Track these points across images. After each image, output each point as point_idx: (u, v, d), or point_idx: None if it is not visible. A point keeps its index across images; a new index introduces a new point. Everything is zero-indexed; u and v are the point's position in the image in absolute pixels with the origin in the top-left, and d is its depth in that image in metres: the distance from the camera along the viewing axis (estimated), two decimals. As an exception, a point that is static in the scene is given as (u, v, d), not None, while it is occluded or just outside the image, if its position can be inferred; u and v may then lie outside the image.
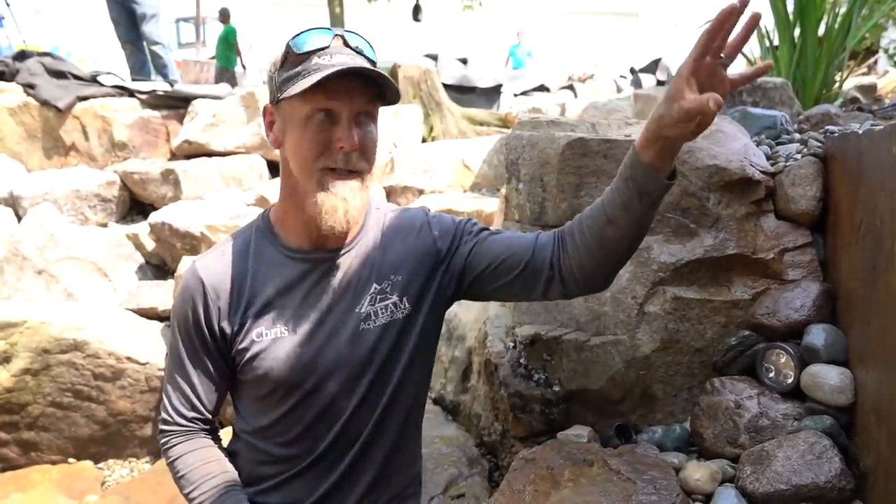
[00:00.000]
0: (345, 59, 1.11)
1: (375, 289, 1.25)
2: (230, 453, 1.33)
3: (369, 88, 1.13)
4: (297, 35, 1.14)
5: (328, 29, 1.15)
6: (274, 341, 1.21)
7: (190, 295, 1.23)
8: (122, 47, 6.75)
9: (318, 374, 1.22)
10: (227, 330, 1.22)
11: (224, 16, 9.51)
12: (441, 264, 1.29)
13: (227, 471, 1.27)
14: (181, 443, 1.27)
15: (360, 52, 1.14)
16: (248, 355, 1.21)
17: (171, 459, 1.27)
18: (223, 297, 1.22)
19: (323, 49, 1.12)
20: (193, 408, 1.27)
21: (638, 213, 1.11)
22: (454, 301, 1.34)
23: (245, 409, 1.31)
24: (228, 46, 9.38)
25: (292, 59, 1.13)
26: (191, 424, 1.28)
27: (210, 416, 1.30)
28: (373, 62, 1.16)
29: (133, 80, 6.21)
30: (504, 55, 13.60)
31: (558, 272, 1.20)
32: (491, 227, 1.34)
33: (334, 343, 1.22)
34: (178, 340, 1.26)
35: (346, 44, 1.14)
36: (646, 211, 1.11)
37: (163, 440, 1.29)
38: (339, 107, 1.12)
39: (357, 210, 1.17)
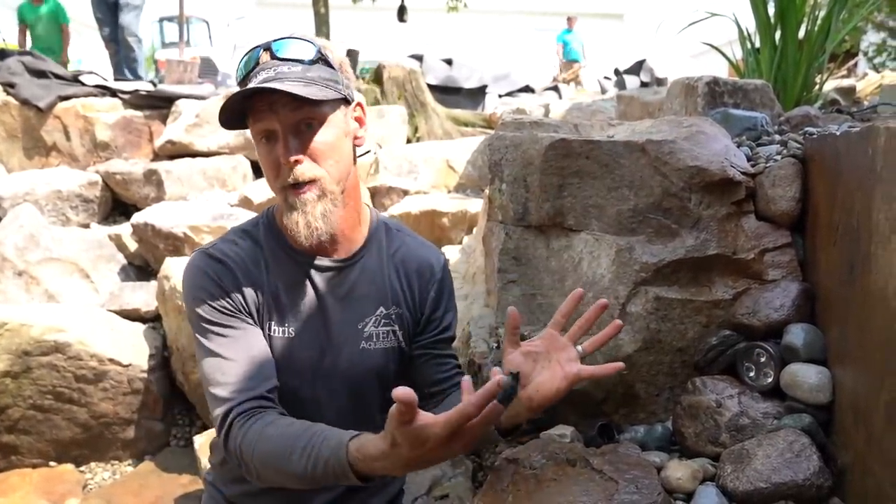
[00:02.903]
0: (265, 76, 1.08)
1: (381, 312, 1.26)
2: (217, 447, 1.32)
3: (294, 95, 1.07)
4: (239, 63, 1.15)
5: (258, 47, 1.13)
6: (277, 339, 1.20)
7: (211, 273, 1.16)
8: (106, 47, 6.69)
9: (312, 379, 1.21)
10: (253, 307, 1.18)
11: None
12: (419, 321, 1.32)
13: (309, 426, 1.05)
14: (254, 423, 1.06)
15: (287, 59, 1.11)
16: None
17: (249, 443, 1.05)
18: (245, 278, 1.18)
19: (252, 70, 1.11)
20: (264, 377, 1.12)
21: None
22: None
23: None
24: (56, 30, 7.08)
25: (241, 88, 1.13)
26: (262, 402, 1.10)
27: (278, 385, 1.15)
28: (309, 61, 1.11)
29: (115, 79, 6.15)
30: (491, 56, 13.54)
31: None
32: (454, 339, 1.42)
33: (333, 354, 1.22)
34: (212, 323, 1.14)
35: (273, 56, 1.11)
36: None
37: (231, 433, 1.07)
38: (270, 125, 1.10)
39: (322, 218, 1.13)
